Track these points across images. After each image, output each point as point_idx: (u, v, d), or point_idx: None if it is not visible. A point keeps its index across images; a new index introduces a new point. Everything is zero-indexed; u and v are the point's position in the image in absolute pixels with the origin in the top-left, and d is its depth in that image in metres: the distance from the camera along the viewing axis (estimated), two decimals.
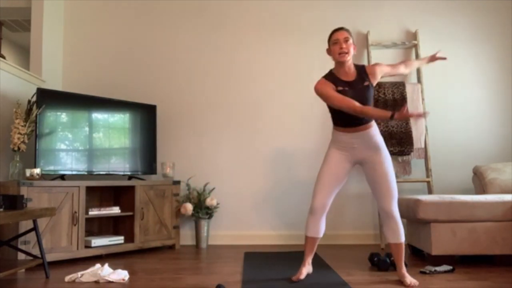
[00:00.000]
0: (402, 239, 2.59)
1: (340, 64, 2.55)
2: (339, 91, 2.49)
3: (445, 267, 2.86)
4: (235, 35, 4.43)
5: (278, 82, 4.38)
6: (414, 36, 4.34)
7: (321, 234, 2.68)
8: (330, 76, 2.58)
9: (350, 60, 2.54)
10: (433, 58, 2.90)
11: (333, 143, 2.65)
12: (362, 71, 2.58)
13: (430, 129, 4.23)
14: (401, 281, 2.56)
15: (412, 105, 4.11)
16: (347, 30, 2.57)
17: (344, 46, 2.50)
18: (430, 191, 4.03)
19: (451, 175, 4.21)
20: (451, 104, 4.31)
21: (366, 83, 2.55)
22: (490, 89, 4.32)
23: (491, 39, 4.36)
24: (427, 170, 4.08)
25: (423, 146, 4.07)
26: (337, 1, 4.41)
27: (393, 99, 4.09)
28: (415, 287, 2.48)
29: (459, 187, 4.19)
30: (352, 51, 2.53)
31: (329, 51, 2.60)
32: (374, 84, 2.60)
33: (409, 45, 4.28)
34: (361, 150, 2.58)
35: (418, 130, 4.07)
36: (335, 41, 2.53)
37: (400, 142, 3.99)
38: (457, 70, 4.35)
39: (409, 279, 2.52)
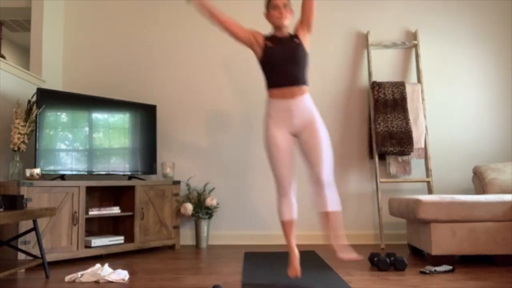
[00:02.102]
0: (332, 207, 2.48)
1: (278, 28, 2.60)
2: (267, 46, 2.56)
3: (445, 267, 2.86)
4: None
5: None
6: (414, 36, 4.34)
7: (296, 215, 2.60)
8: (267, 35, 2.63)
9: (287, 26, 2.60)
10: None
11: (271, 117, 2.57)
12: (294, 35, 2.62)
13: (430, 129, 4.23)
14: (401, 281, 2.56)
15: (412, 105, 4.11)
16: None
17: (283, 10, 2.56)
18: (430, 191, 4.03)
19: (451, 175, 4.21)
20: (451, 104, 4.31)
21: (297, 41, 2.58)
22: (490, 89, 4.33)
23: (491, 39, 4.36)
24: (427, 170, 4.08)
25: (423, 146, 4.07)
26: (337, 1, 4.41)
27: (393, 99, 4.09)
28: (350, 259, 2.42)
29: (459, 187, 4.19)
30: (290, 16, 2.59)
31: (267, 16, 2.63)
32: (305, 43, 2.59)
33: (409, 45, 4.28)
34: (298, 118, 2.53)
35: (418, 130, 4.07)
36: (275, 6, 2.58)
37: (400, 142, 3.99)
38: (457, 70, 4.35)
39: (343, 252, 2.44)
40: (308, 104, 2.57)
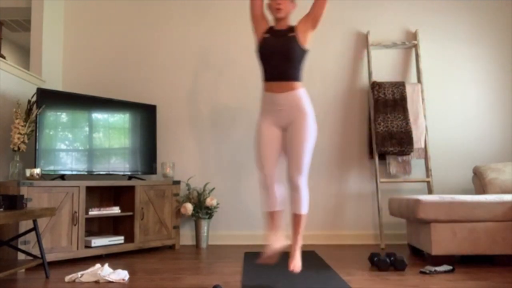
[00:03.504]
0: (299, 210, 2.50)
1: (276, 20, 2.59)
2: (263, 37, 2.56)
3: (445, 267, 2.86)
4: (235, 35, 4.43)
5: None
6: (414, 36, 4.34)
7: (281, 205, 2.59)
8: (271, 26, 2.62)
9: (286, 17, 2.57)
10: None
11: (262, 110, 2.58)
12: (293, 27, 2.58)
13: (430, 129, 4.23)
14: (401, 281, 2.56)
15: (412, 105, 4.11)
16: None
17: (280, 2, 2.53)
18: (430, 191, 4.03)
19: (451, 175, 4.21)
20: (451, 104, 4.31)
21: (291, 34, 2.53)
22: (490, 89, 4.32)
23: (491, 39, 4.36)
24: (427, 170, 4.08)
25: (423, 146, 4.07)
26: (337, 1, 4.41)
27: (393, 99, 4.09)
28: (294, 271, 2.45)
29: (459, 187, 4.19)
30: (289, 8, 2.56)
31: (267, 5, 2.61)
32: (304, 40, 2.54)
33: (409, 45, 4.28)
34: (286, 113, 2.51)
35: (418, 130, 4.07)
36: None
37: (400, 142, 3.99)
38: (457, 70, 4.35)
39: (294, 263, 2.47)
40: (298, 100, 2.51)
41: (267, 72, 2.55)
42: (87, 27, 4.47)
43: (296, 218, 2.54)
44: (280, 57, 2.49)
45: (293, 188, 2.51)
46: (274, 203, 2.57)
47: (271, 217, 2.59)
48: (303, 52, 2.53)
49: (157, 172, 4.15)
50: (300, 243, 2.57)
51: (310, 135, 2.50)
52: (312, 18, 2.55)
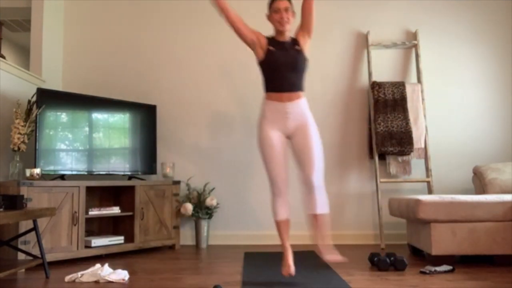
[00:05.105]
0: (320, 210, 2.53)
1: (279, 32, 2.63)
2: (269, 50, 2.58)
3: (445, 267, 2.86)
4: (235, 35, 4.42)
5: None
6: (414, 36, 4.34)
7: (287, 215, 2.63)
8: (269, 37, 2.66)
9: (289, 29, 2.62)
10: None
11: (265, 119, 2.61)
12: (295, 40, 2.65)
13: (430, 129, 4.23)
14: (401, 281, 2.56)
15: (412, 105, 4.11)
16: None
17: (284, 15, 2.58)
18: (430, 191, 4.03)
19: (451, 175, 4.22)
20: (451, 104, 4.31)
21: (297, 48, 2.61)
22: (490, 89, 4.33)
23: (491, 39, 4.36)
24: (427, 170, 4.08)
25: (423, 146, 4.07)
26: (337, 1, 4.41)
27: (393, 99, 4.09)
28: (334, 260, 2.48)
29: (459, 187, 4.19)
30: (291, 19, 2.61)
31: (269, 17, 2.66)
32: (306, 51, 2.64)
33: (409, 45, 4.28)
34: (292, 121, 2.58)
35: (418, 130, 4.07)
36: (276, 10, 2.60)
37: (400, 142, 3.99)
38: (457, 70, 4.35)
39: (329, 255, 2.51)
40: (303, 108, 2.61)
41: (275, 83, 2.59)
42: (87, 27, 4.47)
43: (319, 219, 2.54)
44: (289, 69, 2.56)
45: (311, 189, 2.54)
46: (287, 211, 2.63)
47: (284, 225, 2.63)
48: (307, 62, 2.64)
49: (157, 172, 4.15)
50: (329, 241, 2.57)
51: (318, 138, 2.62)
52: (307, 30, 2.66)
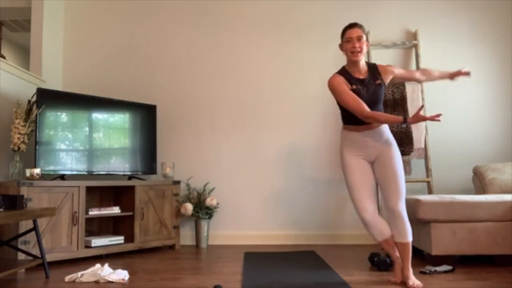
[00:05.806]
0: (409, 238, 2.52)
1: (353, 62, 2.55)
2: (353, 90, 2.48)
3: (445, 267, 2.86)
4: (235, 35, 4.43)
5: (279, 81, 4.38)
6: (414, 36, 4.34)
7: (389, 232, 2.58)
8: (344, 73, 2.56)
9: (363, 58, 2.54)
10: (457, 74, 2.71)
11: (346, 146, 2.60)
12: (375, 70, 2.58)
13: (430, 129, 4.23)
14: (403, 281, 2.56)
15: (412, 105, 4.11)
16: (360, 27, 2.54)
17: (357, 45, 2.50)
18: (430, 191, 4.03)
19: (451, 175, 4.21)
20: (451, 104, 4.31)
21: (378, 82, 2.54)
22: (490, 89, 4.32)
23: (491, 39, 4.36)
24: (427, 170, 4.08)
25: (423, 146, 4.07)
26: (337, 1, 4.41)
27: (393, 99, 4.09)
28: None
29: (459, 187, 4.19)
30: (365, 49, 2.53)
31: (341, 47, 2.60)
32: (386, 83, 2.59)
33: (409, 45, 4.28)
34: (374, 148, 2.55)
35: (418, 130, 4.07)
36: (348, 39, 2.52)
37: (400, 142, 3.99)
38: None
39: (412, 281, 2.47)
40: (383, 134, 2.56)
41: (357, 119, 2.50)
42: (87, 27, 4.47)
43: (405, 247, 2.53)
44: (372, 106, 2.48)
45: (396, 217, 2.51)
46: (382, 231, 2.58)
47: (385, 244, 2.61)
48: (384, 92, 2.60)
49: (157, 172, 4.15)
50: (410, 268, 2.54)
51: (400, 163, 2.54)
52: (398, 76, 2.64)
